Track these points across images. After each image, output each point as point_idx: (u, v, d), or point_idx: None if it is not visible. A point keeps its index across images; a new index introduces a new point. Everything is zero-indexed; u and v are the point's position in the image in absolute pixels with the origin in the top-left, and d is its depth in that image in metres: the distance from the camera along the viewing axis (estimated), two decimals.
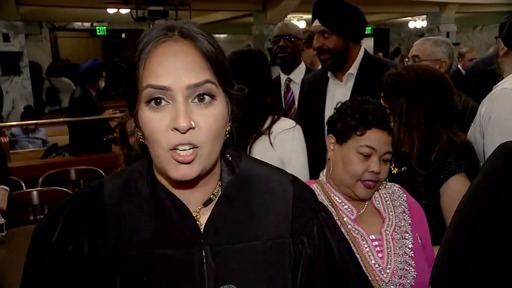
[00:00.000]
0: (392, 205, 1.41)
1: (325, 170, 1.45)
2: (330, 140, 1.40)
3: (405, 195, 1.44)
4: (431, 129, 1.61)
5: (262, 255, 0.83)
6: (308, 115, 2.28)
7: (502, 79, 1.97)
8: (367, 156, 1.31)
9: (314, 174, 2.08)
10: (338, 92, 2.22)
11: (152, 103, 0.74)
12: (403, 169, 1.64)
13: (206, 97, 0.75)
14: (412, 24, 13.79)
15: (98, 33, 12.10)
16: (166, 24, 0.78)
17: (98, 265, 0.80)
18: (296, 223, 0.87)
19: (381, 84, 1.71)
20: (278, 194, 0.88)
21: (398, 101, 1.62)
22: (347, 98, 2.14)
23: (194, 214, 0.82)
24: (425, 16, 12.09)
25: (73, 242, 0.80)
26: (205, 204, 0.84)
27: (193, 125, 0.73)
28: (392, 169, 1.64)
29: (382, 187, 1.45)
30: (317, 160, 2.21)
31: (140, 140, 0.81)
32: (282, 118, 1.85)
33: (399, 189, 1.46)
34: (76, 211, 0.83)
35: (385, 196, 1.42)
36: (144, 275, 0.79)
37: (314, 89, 2.30)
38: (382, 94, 1.70)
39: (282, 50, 2.75)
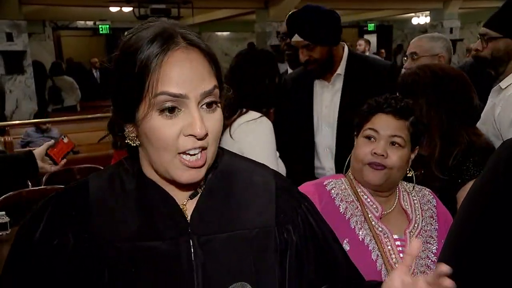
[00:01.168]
0: (421, 208, 1.40)
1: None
2: (354, 138, 1.45)
3: (435, 200, 1.44)
4: (452, 129, 1.56)
5: (248, 243, 0.86)
6: (295, 117, 2.24)
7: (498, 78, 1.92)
8: (372, 140, 1.34)
9: (307, 175, 2.08)
10: (326, 94, 2.20)
11: (167, 111, 0.76)
12: (419, 172, 1.58)
13: (213, 104, 0.79)
14: (415, 21, 13.72)
15: (101, 32, 12.12)
16: (164, 29, 0.78)
17: (85, 259, 0.81)
18: (281, 213, 0.90)
19: (371, 82, 1.67)
20: (261, 186, 0.92)
21: (417, 102, 1.56)
22: (337, 99, 2.16)
23: (181, 207, 0.85)
24: (429, 12, 12.03)
25: (58, 236, 0.82)
26: (191, 197, 0.86)
27: (207, 130, 0.76)
28: (408, 172, 1.63)
29: (412, 189, 1.44)
30: (306, 160, 2.22)
31: (127, 142, 0.82)
32: (250, 111, 1.85)
33: (430, 193, 1.46)
34: (60, 207, 0.85)
35: (414, 198, 1.42)
36: (132, 267, 0.81)
37: (298, 89, 2.26)
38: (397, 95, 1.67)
39: (290, 47, 2.75)
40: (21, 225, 0.87)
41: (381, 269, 1.28)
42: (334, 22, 2.12)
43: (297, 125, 2.22)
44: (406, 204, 1.40)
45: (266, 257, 0.86)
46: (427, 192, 1.45)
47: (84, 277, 0.81)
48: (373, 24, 14.76)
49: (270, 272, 0.86)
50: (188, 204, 0.86)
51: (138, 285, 0.81)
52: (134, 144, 0.82)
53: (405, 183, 1.46)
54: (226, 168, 0.91)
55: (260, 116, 1.84)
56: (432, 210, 1.41)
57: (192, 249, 0.82)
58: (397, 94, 1.65)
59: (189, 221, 0.84)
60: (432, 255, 1.33)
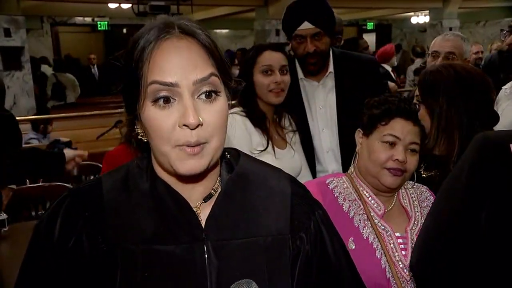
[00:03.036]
0: (419, 205, 1.41)
1: (354, 164, 1.46)
2: (358, 134, 1.43)
3: (432, 197, 1.45)
4: (472, 130, 1.52)
5: (262, 250, 0.84)
6: None
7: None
8: (391, 146, 1.34)
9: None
10: (318, 94, 2.12)
11: (161, 101, 0.75)
12: (433, 172, 1.56)
13: (212, 94, 0.77)
14: (414, 20, 13.72)
15: (99, 28, 12.06)
16: (164, 21, 0.78)
17: (98, 261, 0.80)
18: (295, 220, 0.88)
19: (360, 78, 1.59)
20: (276, 192, 0.90)
21: (438, 101, 1.54)
22: (332, 99, 2.09)
23: (194, 210, 0.83)
24: (428, 11, 12.02)
25: (73, 237, 0.81)
26: (205, 200, 0.85)
27: (201, 121, 0.74)
28: (422, 172, 1.59)
29: (410, 186, 1.45)
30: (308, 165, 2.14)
31: (139, 138, 0.82)
32: None
33: (427, 190, 1.47)
34: (74, 207, 0.83)
35: (412, 196, 1.43)
36: (145, 271, 0.79)
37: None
38: (417, 93, 1.63)
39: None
40: (37, 226, 0.85)
41: (385, 267, 1.29)
42: (331, 9, 2.07)
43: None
44: (405, 201, 1.41)
45: (280, 265, 0.85)
46: (424, 189, 1.47)
47: (96, 278, 0.80)
48: (372, 23, 14.74)
49: (283, 279, 0.85)
50: (202, 207, 0.84)
51: None
52: (145, 140, 0.81)
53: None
54: (242, 172, 0.89)
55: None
56: (430, 206, 1.41)
57: (206, 255, 0.81)
58: (417, 93, 1.63)
59: (203, 226, 0.82)
60: None
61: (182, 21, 0.78)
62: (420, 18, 13.37)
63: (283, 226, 0.87)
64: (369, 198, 1.38)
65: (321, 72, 2.11)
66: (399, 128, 1.33)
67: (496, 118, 1.60)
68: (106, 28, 12.07)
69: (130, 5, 8.60)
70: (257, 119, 1.89)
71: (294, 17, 2.03)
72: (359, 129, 1.44)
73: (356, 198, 1.37)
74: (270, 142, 1.87)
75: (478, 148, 1.02)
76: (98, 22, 11.89)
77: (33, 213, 2.95)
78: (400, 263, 1.30)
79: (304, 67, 2.11)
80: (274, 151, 1.87)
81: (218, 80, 0.78)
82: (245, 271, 0.82)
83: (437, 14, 11.41)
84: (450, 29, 10.85)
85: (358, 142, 1.44)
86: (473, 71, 1.63)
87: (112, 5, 9.53)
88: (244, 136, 1.81)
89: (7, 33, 7.13)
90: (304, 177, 1.96)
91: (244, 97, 1.88)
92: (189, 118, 0.73)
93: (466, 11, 12.53)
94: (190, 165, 0.76)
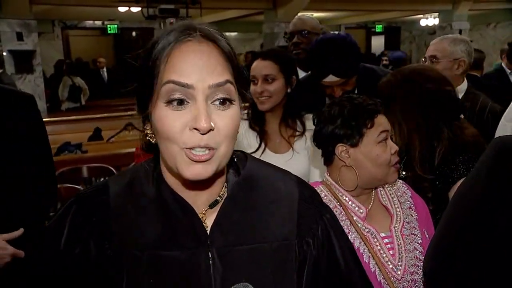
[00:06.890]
0: (398, 201, 1.40)
1: (327, 173, 1.42)
2: (341, 149, 1.33)
3: (409, 191, 1.44)
4: (431, 128, 1.55)
5: (268, 256, 0.84)
6: None
7: None
8: (385, 142, 1.34)
9: None
10: None
11: (174, 103, 0.74)
12: (409, 173, 1.58)
13: (227, 101, 0.76)
14: (423, 22, 13.64)
15: (109, 31, 12.19)
16: (185, 24, 0.79)
17: (105, 266, 0.80)
18: (302, 225, 0.87)
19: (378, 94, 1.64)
20: (283, 196, 0.89)
21: (394, 111, 1.56)
22: None
23: (200, 216, 0.83)
24: (437, 13, 11.94)
25: (80, 243, 0.81)
26: (211, 206, 0.84)
27: (213, 126, 0.74)
28: (400, 172, 1.60)
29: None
30: None
31: (148, 139, 0.82)
32: None
33: (403, 185, 1.46)
34: (81, 213, 0.83)
35: (390, 192, 1.42)
36: (150, 277, 0.79)
37: (309, 96, 2.13)
38: None
39: (296, 46, 2.67)
40: (45, 231, 0.87)
41: (375, 270, 1.27)
42: (357, 49, 2.05)
43: None
44: (384, 199, 1.39)
45: (286, 270, 0.84)
46: (400, 184, 1.45)
47: (102, 284, 0.80)
48: (381, 26, 14.69)
49: (289, 285, 0.84)
50: (208, 213, 0.84)
51: None
52: (153, 141, 0.81)
53: None
54: (249, 176, 0.88)
55: None
56: (409, 201, 1.41)
57: (210, 261, 0.81)
58: None
59: (208, 232, 0.82)
60: (419, 246, 1.33)
61: (204, 26, 0.78)
62: (430, 21, 13.28)
63: (290, 231, 0.86)
64: (349, 202, 1.35)
65: None
66: (384, 122, 1.34)
67: (459, 108, 1.61)
68: (116, 32, 12.19)
69: (139, 8, 8.66)
70: (255, 121, 1.97)
71: (319, 69, 2.01)
72: (339, 144, 1.32)
73: (336, 205, 1.34)
74: (262, 145, 1.94)
75: (495, 152, 1.01)
76: (108, 26, 12.01)
77: None
78: (389, 263, 1.29)
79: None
80: (262, 153, 1.91)
81: (234, 89, 0.77)
82: (250, 277, 0.81)
83: (446, 16, 11.33)
84: (460, 31, 10.77)
85: (342, 157, 1.33)
86: (422, 70, 1.64)
87: (122, 9, 9.61)
88: None
89: (20, 37, 7.24)
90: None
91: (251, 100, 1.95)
92: (201, 122, 0.72)
93: (476, 13, 12.42)
94: (196, 170, 0.75)
